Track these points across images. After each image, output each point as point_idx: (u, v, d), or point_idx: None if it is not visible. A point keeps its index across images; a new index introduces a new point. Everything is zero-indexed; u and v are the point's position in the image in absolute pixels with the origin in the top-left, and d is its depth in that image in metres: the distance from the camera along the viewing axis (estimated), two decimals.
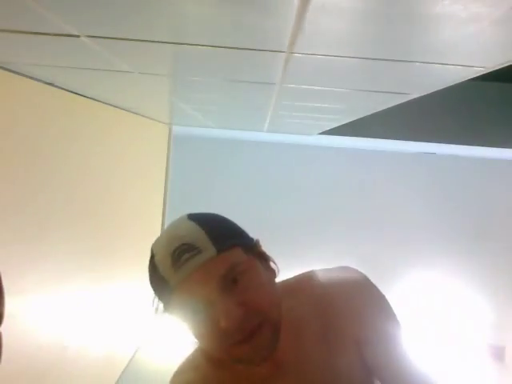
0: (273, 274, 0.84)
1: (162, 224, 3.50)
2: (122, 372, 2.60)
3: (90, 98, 1.75)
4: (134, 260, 2.79)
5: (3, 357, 0.55)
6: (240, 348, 0.75)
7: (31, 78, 1.31)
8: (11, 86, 1.24)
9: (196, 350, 0.91)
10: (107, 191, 2.12)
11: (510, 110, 2.93)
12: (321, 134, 2.92)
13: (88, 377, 2.00)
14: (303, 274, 0.92)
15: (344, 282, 0.88)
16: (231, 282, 0.74)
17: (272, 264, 0.84)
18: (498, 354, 3.56)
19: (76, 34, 0.78)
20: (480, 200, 3.69)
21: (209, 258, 0.73)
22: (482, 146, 3.10)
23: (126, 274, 2.59)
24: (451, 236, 3.62)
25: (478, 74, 0.88)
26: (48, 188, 1.49)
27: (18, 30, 0.80)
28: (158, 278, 0.77)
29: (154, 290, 0.82)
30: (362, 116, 1.92)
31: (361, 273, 0.87)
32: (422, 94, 1.22)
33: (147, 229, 3.14)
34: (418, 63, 0.85)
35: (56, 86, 1.46)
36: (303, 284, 0.91)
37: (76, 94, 1.62)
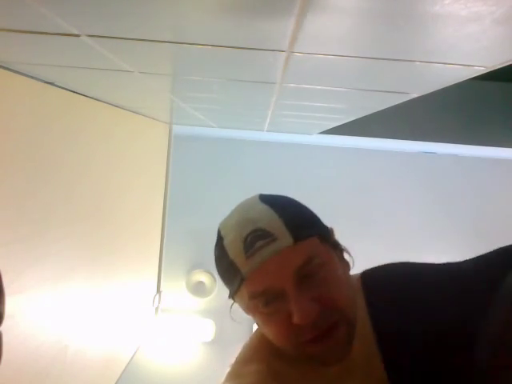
0: (347, 266, 0.78)
1: (163, 223, 3.50)
2: (122, 372, 2.60)
3: (91, 98, 1.75)
4: (135, 259, 2.79)
5: (3, 357, 0.55)
6: (313, 347, 0.70)
7: (31, 77, 1.31)
8: (11, 85, 1.24)
9: (259, 341, 0.83)
10: (107, 190, 2.12)
11: (510, 110, 2.93)
12: (321, 133, 2.92)
13: (88, 376, 2.00)
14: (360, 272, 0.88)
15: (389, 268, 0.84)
16: (307, 275, 0.69)
17: (346, 255, 0.79)
18: None
19: (76, 33, 0.78)
20: (480, 200, 3.68)
21: (285, 247, 0.68)
22: (483, 145, 3.10)
23: (127, 273, 2.59)
24: (451, 236, 3.62)
25: (478, 74, 0.88)
26: (48, 187, 1.49)
27: (17, 29, 0.80)
28: (227, 264, 0.72)
29: (222, 274, 0.77)
30: (362, 115, 1.92)
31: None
32: (422, 94, 1.22)
33: (147, 228, 3.14)
34: (418, 62, 0.85)
35: (56, 86, 1.46)
36: (366, 278, 0.84)
37: (76, 93, 1.62)
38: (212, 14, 0.66)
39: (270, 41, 0.76)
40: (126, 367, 2.69)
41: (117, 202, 2.28)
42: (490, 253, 0.78)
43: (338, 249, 0.78)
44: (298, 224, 0.71)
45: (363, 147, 3.65)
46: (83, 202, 1.82)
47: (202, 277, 3.63)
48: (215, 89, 1.43)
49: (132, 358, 2.88)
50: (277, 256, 0.68)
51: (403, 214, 3.64)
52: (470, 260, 0.80)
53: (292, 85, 1.21)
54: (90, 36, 0.80)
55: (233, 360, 0.85)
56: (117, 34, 0.78)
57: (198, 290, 3.64)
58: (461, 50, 0.73)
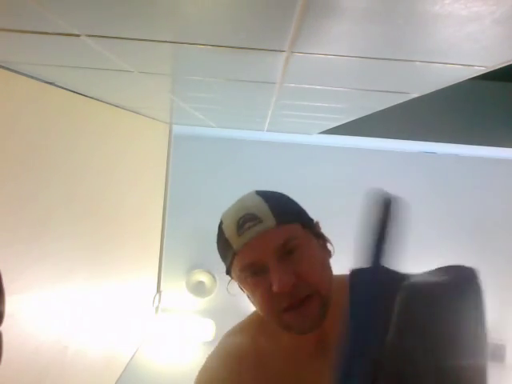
0: (328, 254, 0.92)
1: (163, 223, 3.50)
2: (122, 372, 2.60)
3: (91, 98, 1.75)
4: (135, 259, 2.79)
5: (3, 357, 0.55)
6: (289, 314, 0.82)
7: (31, 77, 1.31)
8: (11, 85, 1.24)
9: (251, 316, 1.00)
10: (107, 190, 2.12)
11: (510, 110, 2.93)
12: (321, 133, 2.92)
13: (88, 377, 2.00)
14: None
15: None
16: (287, 253, 0.82)
17: (329, 245, 0.93)
18: (498, 353, 3.55)
19: (76, 33, 0.78)
20: (480, 200, 3.68)
21: (268, 228, 0.82)
22: (483, 145, 3.10)
23: (127, 273, 2.59)
24: (451, 235, 3.62)
25: (478, 74, 0.88)
26: (48, 187, 1.49)
27: (17, 30, 0.80)
28: (223, 241, 0.87)
29: (220, 252, 0.92)
30: (362, 115, 1.92)
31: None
32: (423, 94, 1.22)
33: (148, 228, 3.14)
34: (418, 62, 0.85)
35: (56, 86, 1.46)
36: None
37: (76, 93, 1.62)
38: (212, 14, 0.66)
39: (270, 41, 0.76)
40: (126, 367, 2.69)
41: (117, 201, 2.28)
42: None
43: (320, 238, 0.92)
44: (282, 211, 0.86)
45: (363, 147, 3.65)
46: (83, 202, 1.82)
47: (201, 277, 3.63)
48: (215, 89, 1.43)
49: (132, 358, 2.88)
50: (262, 235, 0.82)
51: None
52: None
53: (292, 85, 1.21)
54: (90, 36, 0.80)
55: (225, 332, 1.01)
56: (117, 34, 0.78)
57: (198, 289, 3.64)
58: (461, 49, 0.73)
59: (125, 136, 2.34)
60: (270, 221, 0.83)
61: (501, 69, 0.82)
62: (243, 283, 0.87)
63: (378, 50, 0.80)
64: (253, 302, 0.90)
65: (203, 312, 3.68)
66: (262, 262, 0.82)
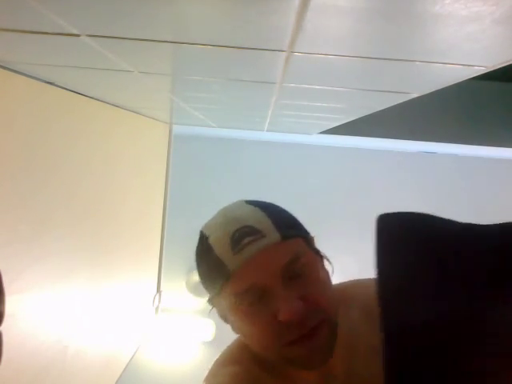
0: (328, 273, 0.78)
1: (163, 223, 3.50)
2: (122, 372, 2.60)
3: (91, 98, 1.75)
4: (135, 259, 2.79)
5: (3, 356, 0.55)
6: (295, 348, 0.68)
7: (31, 77, 1.31)
8: (11, 85, 1.24)
9: (239, 346, 0.83)
10: (107, 190, 2.12)
11: (510, 110, 2.93)
12: (321, 133, 2.92)
13: (88, 376, 2.00)
14: (345, 282, 0.86)
15: None
16: (293, 274, 0.68)
17: (327, 263, 0.79)
18: None
19: (76, 33, 0.78)
20: (480, 200, 3.68)
21: (273, 244, 0.68)
22: (483, 145, 3.10)
23: (127, 273, 2.59)
24: None
25: (478, 74, 0.88)
26: (48, 187, 1.49)
27: (17, 29, 0.80)
28: (213, 261, 0.70)
29: (205, 274, 0.75)
30: (362, 115, 1.92)
31: None
32: (423, 94, 1.22)
33: (147, 228, 3.14)
34: (418, 62, 0.85)
35: (56, 86, 1.46)
36: (348, 290, 0.84)
37: (76, 93, 1.62)
38: (212, 14, 0.66)
39: (270, 41, 0.76)
40: (126, 367, 2.69)
41: (117, 201, 2.28)
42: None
43: (318, 255, 0.78)
44: (285, 223, 0.72)
45: (363, 147, 3.65)
46: (83, 202, 1.82)
47: None
48: (215, 89, 1.43)
49: (132, 358, 2.88)
50: (265, 252, 0.68)
51: None
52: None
53: (292, 85, 1.21)
54: (90, 36, 0.80)
55: (213, 362, 0.85)
56: (117, 33, 0.78)
57: (198, 290, 3.63)
58: (461, 49, 0.73)
59: (125, 136, 2.34)
60: (273, 235, 0.68)
61: (501, 69, 0.82)
62: (235, 312, 0.72)
63: (378, 50, 0.80)
64: (243, 334, 0.75)
65: (203, 312, 3.68)
66: (264, 284, 0.67)
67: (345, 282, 0.87)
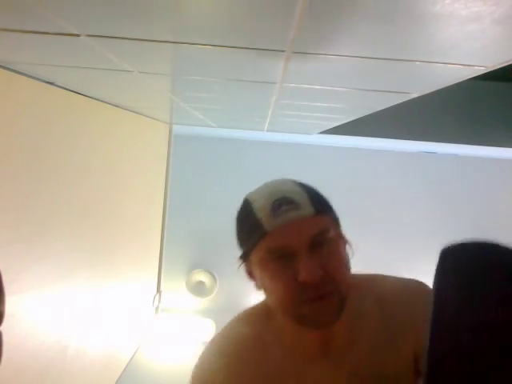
0: (347, 255, 0.88)
1: (163, 223, 3.50)
2: (122, 372, 2.60)
3: (91, 98, 1.75)
4: (135, 259, 2.79)
5: (3, 356, 0.55)
6: (308, 306, 0.79)
7: (31, 77, 1.31)
8: (11, 85, 1.24)
9: (257, 308, 0.96)
10: (108, 190, 2.12)
11: (510, 110, 2.93)
12: (321, 133, 2.92)
13: (88, 376, 2.01)
14: (370, 274, 0.97)
15: (409, 288, 0.91)
16: (318, 244, 0.79)
17: (348, 247, 0.89)
18: None
19: (76, 33, 0.78)
20: (480, 200, 3.68)
21: (306, 215, 0.79)
22: (483, 145, 3.10)
23: (127, 273, 2.59)
24: (451, 235, 3.61)
25: (478, 74, 0.88)
26: (48, 187, 1.49)
27: (17, 29, 0.80)
28: (252, 222, 0.82)
29: (244, 232, 0.87)
30: (362, 115, 1.92)
31: (427, 286, 0.88)
32: (423, 94, 1.22)
33: (148, 228, 3.14)
34: (418, 62, 0.85)
35: (57, 86, 1.46)
36: (369, 281, 0.95)
37: (77, 93, 1.62)
38: (212, 14, 0.66)
39: (270, 41, 0.76)
40: (126, 367, 2.69)
41: (117, 202, 2.28)
42: None
43: (342, 238, 0.89)
44: (320, 201, 0.84)
45: (363, 147, 3.65)
46: (83, 202, 1.82)
47: (201, 277, 3.63)
48: (215, 89, 1.43)
49: (132, 358, 2.88)
50: (298, 221, 0.79)
51: (403, 214, 3.64)
52: None
53: (292, 85, 1.21)
54: (90, 36, 0.80)
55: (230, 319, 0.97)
56: (117, 33, 0.79)
57: (198, 289, 3.64)
58: (461, 49, 0.73)
59: (125, 136, 2.34)
60: (308, 208, 0.80)
61: (501, 69, 0.82)
62: (264, 267, 0.83)
63: (378, 50, 0.80)
64: (266, 290, 0.86)
65: (203, 312, 3.68)
66: (292, 248, 0.79)
67: (369, 273, 0.97)
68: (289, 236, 0.79)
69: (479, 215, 3.63)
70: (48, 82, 1.41)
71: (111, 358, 2.41)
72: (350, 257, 0.87)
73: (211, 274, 3.61)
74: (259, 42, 0.78)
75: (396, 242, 3.57)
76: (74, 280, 1.77)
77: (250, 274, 0.90)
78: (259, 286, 0.88)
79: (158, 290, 3.53)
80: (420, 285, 0.91)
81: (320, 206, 0.82)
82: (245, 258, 0.88)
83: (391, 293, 0.92)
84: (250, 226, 0.83)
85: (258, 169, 3.71)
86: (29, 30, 0.79)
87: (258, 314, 0.94)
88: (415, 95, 1.25)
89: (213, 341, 0.95)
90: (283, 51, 0.81)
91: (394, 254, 3.54)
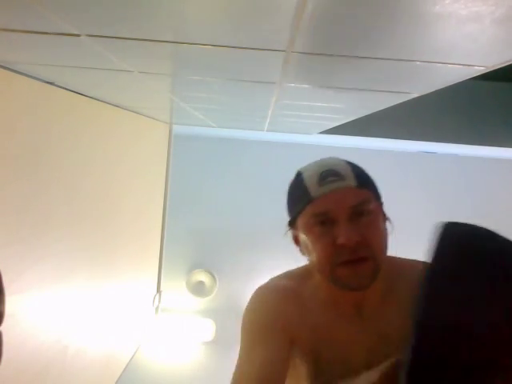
0: (386, 230, 0.97)
1: (163, 222, 3.50)
2: (122, 372, 2.60)
3: (91, 98, 1.75)
4: (135, 259, 2.79)
5: (3, 356, 0.55)
6: (344, 268, 0.87)
7: (31, 77, 1.31)
8: (11, 85, 1.24)
9: (300, 268, 1.07)
10: (107, 190, 2.12)
11: (510, 110, 2.93)
12: (321, 133, 2.92)
13: (88, 376, 2.01)
14: (414, 259, 1.04)
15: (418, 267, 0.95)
16: (357, 214, 0.88)
17: (388, 225, 0.97)
18: None
19: (76, 33, 0.78)
20: (480, 200, 3.68)
21: (348, 187, 0.89)
22: (483, 145, 3.10)
23: (127, 272, 2.59)
24: None
25: (478, 74, 0.88)
26: (48, 187, 1.49)
27: (17, 29, 0.80)
28: (301, 189, 0.93)
29: (293, 199, 0.98)
30: (362, 115, 1.92)
31: None
32: (423, 94, 1.22)
33: (148, 228, 3.14)
34: (418, 62, 0.85)
35: (56, 86, 1.46)
36: (409, 264, 1.02)
37: (76, 93, 1.62)
38: (212, 14, 0.66)
39: (270, 41, 0.76)
40: (126, 367, 2.69)
41: (117, 201, 2.28)
42: None
43: (383, 214, 0.98)
44: (363, 177, 0.93)
45: (363, 147, 3.65)
46: (83, 202, 1.82)
47: (201, 277, 3.63)
48: (215, 89, 1.43)
49: (132, 357, 2.88)
50: (341, 190, 0.88)
51: (403, 214, 3.63)
52: None
53: (292, 84, 1.21)
54: (90, 36, 0.80)
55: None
56: (117, 34, 0.79)
57: (198, 289, 3.64)
58: (461, 49, 0.73)
59: (125, 136, 2.34)
60: (351, 180, 0.89)
61: (501, 69, 0.82)
62: (308, 231, 0.91)
63: (378, 50, 0.80)
64: (309, 252, 0.93)
65: (203, 312, 3.68)
66: (334, 214, 0.86)
67: (413, 259, 1.05)
68: (332, 203, 0.87)
69: (479, 215, 3.63)
70: (48, 82, 1.41)
71: (111, 358, 2.41)
72: (388, 232, 0.95)
73: (211, 274, 3.61)
74: (259, 41, 0.78)
75: (395, 241, 3.57)
76: (73, 280, 1.77)
77: (296, 240, 1.00)
78: (303, 251, 0.98)
79: (158, 290, 3.53)
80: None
81: (362, 180, 0.91)
82: (292, 224, 0.98)
83: (403, 271, 0.99)
84: (299, 194, 0.93)
85: (258, 169, 3.71)
86: (29, 30, 0.79)
87: (299, 274, 1.05)
88: (415, 95, 1.25)
89: (258, 289, 1.05)
90: (283, 51, 0.81)
91: (394, 253, 3.53)
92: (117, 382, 2.49)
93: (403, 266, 1.02)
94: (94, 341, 2.09)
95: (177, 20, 0.70)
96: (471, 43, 0.68)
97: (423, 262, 0.97)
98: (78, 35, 0.79)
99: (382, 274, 0.90)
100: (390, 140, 3.21)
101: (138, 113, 2.41)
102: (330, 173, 0.89)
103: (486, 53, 0.74)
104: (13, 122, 1.27)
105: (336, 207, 0.87)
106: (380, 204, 0.97)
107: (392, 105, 1.50)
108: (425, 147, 3.52)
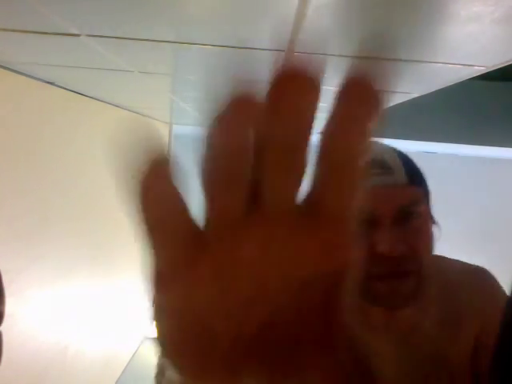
0: (434, 236, 0.81)
1: None
2: (123, 371, 2.60)
3: (91, 98, 1.75)
4: (135, 257, 2.78)
5: (3, 357, 0.55)
6: (381, 284, 0.71)
7: (32, 77, 1.31)
8: (11, 84, 1.24)
9: None
10: (107, 189, 2.12)
11: (510, 110, 2.93)
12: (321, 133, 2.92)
13: (88, 376, 2.01)
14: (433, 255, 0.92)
15: (475, 275, 0.83)
16: (405, 217, 0.71)
17: (436, 228, 0.82)
18: None
19: (76, 33, 0.78)
20: (480, 199, 3.68)
21: (397, 183, 0.72)
22: (483, 145, 3.10)
23: (127, 271, 2.59)
24: (451, 235, 3.62)
25: (478, 74, 0.88)
26: (48, 186, 1.49)
27: (18, 29, 0.80)
28: None
29: None
30: None
31: (493, 275, 0.83)
32: (423, 94, 1.22)
33: None
34: (418, 62, 0.85)
35: (56, 85, 1.46)
36: (434, 264, 0.86)
37: (76, 93, 1.62)
38: (212, 14, 0.66)
39: (270, 41, 0.76)
40: (125, 367, 2.69)
41: (117, 200, 2.27)
42: None
43: (432, 217, 0.82)
44: (415, 173, 0.76)
45: None
46: (83, 201, 1.82)
47: None
48: (215, 89, 1.43)
49: (132, 358, 2.88)
50: (388, 187, 0.72)
51: None
52: None
53: None
54: (90, 36, 0.80)
55: None
56: (116, 34, 0.78)
57: None
58: (461, 50, 0.73)
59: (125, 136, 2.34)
60: (401, 176, 0.73)
61: (501, 69, 0.82)
62: None
63: (378, 50, 0.80)
64: None
65: None
66: (377, 215, 0.71)
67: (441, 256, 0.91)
68: (376, 201, 0.71)
69: (479, 215, 3.63)
70: (48, 82, 1.41)
71: (111, 358, 2.41)
72: (435, 239, 0.80)
73: None
74: (259, 41, 0.78)
75: None
76: (74, 279, 1.77)
77: None
78: None
79: None
80: (485, 273, 0.84)
81: (414, 175, 0.75)
82: None
83: (456, 278, 0.84)
84: None
85: None
86: (29, 30, 0.79)
87: None
88: (415, 95, 1.25)
89: None
90: (283, 51, 0.81)
91: None
92: (117, 382, 2.49)
93: (454, 269, 0.86)
94: (94, 341, 2.09)
95: (177, 20, 0.70)
96: (471, 43, 0.68)
97: (445, 257, 0.88)
98: (78, 35, 0.79)
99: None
100: (390, 140, 3.21)
101: (138, 113, 2.41)
102: (374, 163, 0.73)
103: (485, 53, 0.74)
104: (13, 122, 1.27)
105: (379, 207, 0.71)
106: (430, 204, 0.82)
107: (393, 104, 1.50)
108: (425, 147, 3.52)
